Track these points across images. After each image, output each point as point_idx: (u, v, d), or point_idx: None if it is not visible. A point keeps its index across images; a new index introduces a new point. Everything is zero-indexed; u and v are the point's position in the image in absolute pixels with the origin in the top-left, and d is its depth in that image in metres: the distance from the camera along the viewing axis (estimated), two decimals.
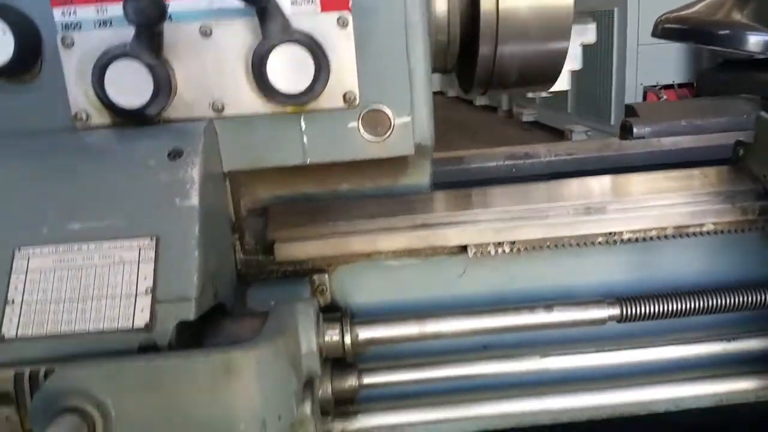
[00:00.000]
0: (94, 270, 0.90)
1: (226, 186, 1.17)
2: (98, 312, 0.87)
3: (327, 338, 1.17)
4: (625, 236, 1.21)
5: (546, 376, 1.29)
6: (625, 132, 1.66)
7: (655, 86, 5.92)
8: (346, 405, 1.26)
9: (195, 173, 1.00)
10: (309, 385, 1.08)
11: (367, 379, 1.22)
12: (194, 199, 0.98)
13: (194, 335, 0.95)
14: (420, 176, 1.24)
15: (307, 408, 1.07)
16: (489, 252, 1.21)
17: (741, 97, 1.69)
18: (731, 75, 2.64)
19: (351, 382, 1.21)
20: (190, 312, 0.90)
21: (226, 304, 1.11)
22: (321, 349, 1.06)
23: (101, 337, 0.86)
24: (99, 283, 0.89)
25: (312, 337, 1.02)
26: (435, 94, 1.26)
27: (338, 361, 1.22)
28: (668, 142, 1.46)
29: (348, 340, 1.17)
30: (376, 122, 1.14)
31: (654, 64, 5.86)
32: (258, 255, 1.21)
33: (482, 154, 1.54)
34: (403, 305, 1.26)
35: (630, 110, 1.72)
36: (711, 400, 1.36)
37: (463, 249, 1.22)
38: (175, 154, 1.02)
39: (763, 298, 1.23)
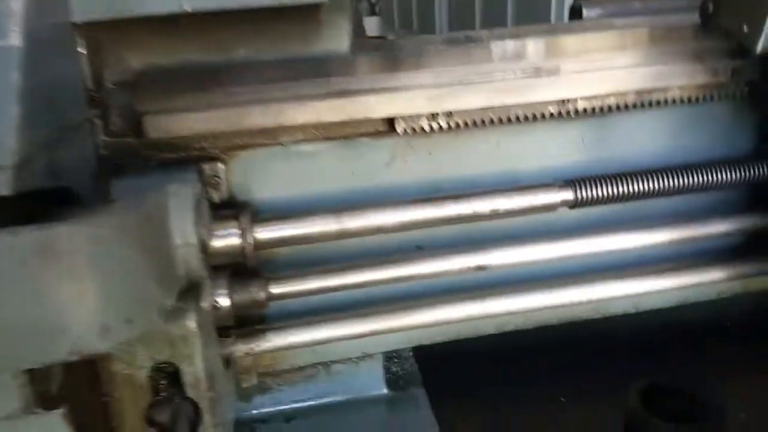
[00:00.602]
0: None
1: (76, 42, 0.88)
2: None
3: (223, 240, 0.93)
4: (580, 105, 1.00)
5: (488, 277, 1.09)
6: (575, 14, 1.43)
7: None
8: (252, 324, 1.03)
9: (15, 4, 0.71)
10: (192, 291, 0.84)
11: (277, 289, 0.99)
12: (14, 39, 0.70)
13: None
14: (337, 39, 0.98)
15: (190, 321, 0.83)
16: (421, 127, 0.98)
17: None
18: None
19: (256, 293, 0.97)
20: (3, 183, 0.63)
21: (80, 196, 0.85)
22: (204, 245, 0.81)
23: None
24: None
25: (189, 226, 0.77)
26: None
27: (241, 270, 0.98)
28: (622, 23, 1.25)
29: (248, 239, 0.93)
30: None
31: None
32: (127, 137, 0.93)
33: (417, 39, 1.28)
34: (318, 201, 1.02)
35: None
36: (674, 297, 1.21)
37: (390, 126, 0.98)
38: None
39: (732, 175, 1.06)
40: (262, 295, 0.97)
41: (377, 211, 0.98)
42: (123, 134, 0.93)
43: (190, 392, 0.87)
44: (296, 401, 1.14)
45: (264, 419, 1.13)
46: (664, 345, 1.38)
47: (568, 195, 1.02)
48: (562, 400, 1.31)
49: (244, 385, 1.09)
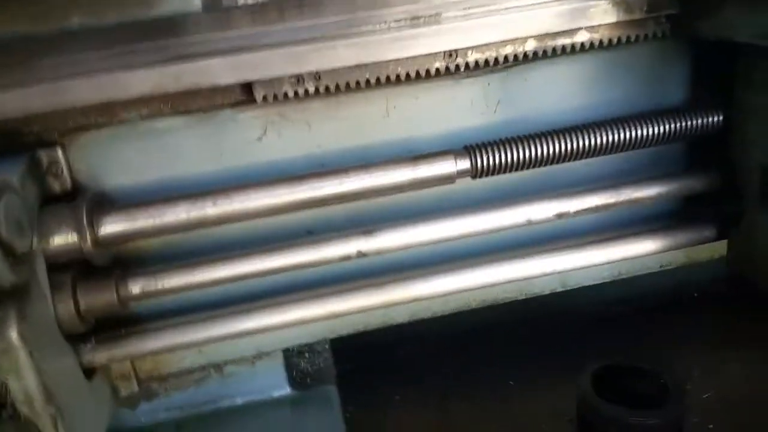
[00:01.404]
0: None
1: None
2: None
3: (60, 237, 0.80)
4: (471, 57, 0.85)
5: (394, 259, 0.96)
6: None
7: None
8: (114, 327, 0.90)
9: None
10: (10, 299, 0.71)
11: (136, 288, 0.86)
12: None
13: None
14: None
15: (10, 331, 0.71)
16: (285, 94, 0.83)
17: None
18: None
19: (106, 294, 0.84)
20: None
21: None
22: (10, 247, 0.68)
23: None
24: None
25: None
26: None
27: (91, 270, 0.86)
28: None
29: (86, 234, 0.80)
30: None
31: None
32: None
33: None
34: (183, 186, 0.89)
35: None
36: (606, 272, 1.07)
37: (249, 93, 0.84)
38: None
39: (660, 129, 0.91)
40: (112, 296, 0.84)
41: (244, 192, 0.84)
42: None
43: (24, 409, 0.75)
44: (187, 407, 1.02)
45: (152, 428, 1.01)
46: (620, 321, 1.25)
47: (465, 163, 0.87)
48: (511, 384, 1.19)
49: (124, 393, 0.97)
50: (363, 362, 1.21)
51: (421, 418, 1.08)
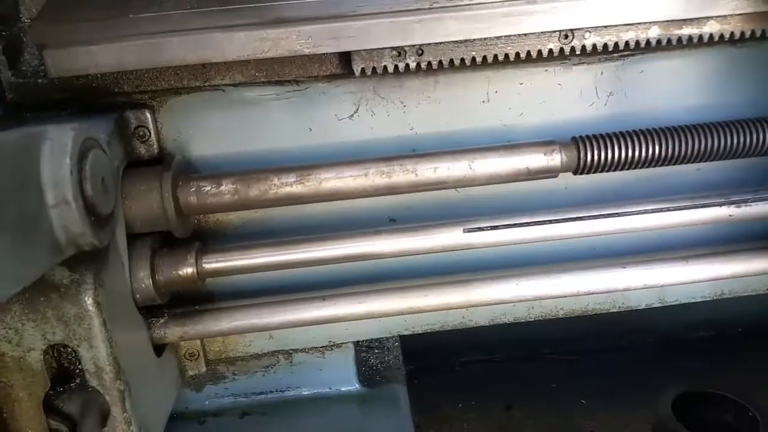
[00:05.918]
0: None
1: None
2: None
3: (142, 202, 0.73)
4: (589, 41, 0.75)
5: (479, 258, 0.86)
6: None
7: None
8: (189, 303, 0.83)
9: None
10: (90, 262, 0.64)
11: (212, 264, 0.78)
12: None
13: None
14: None
15: (86, 297, 0.65)
16: (385, 67, 0.75)
17: None
18: None
19: (184, 268, 0.76)
20: None
21: None
22: (93, 205, 0.61)
23: None
24: None
25: (64, 181, 0.57)
26: None
27: (173, 241, 0.79)
28: None
29: (169, 202, 0.73)
30: None
31: None
32: (39, 78, 0.75)
33: None
34: (269, 160, 0.81)
35: None
36: (708, 290, 0.93)
37: (347, 65, 0.76)
38: None
39: None
40: (192, 269, 0.77)
41: (330, 170, 0.75)
42: (35, 75, 0.75)
43: (93, 381, 0.68)
44: (253, 393, 0.94)
45: (216, 412, 0.93)
46: (710, 345, 1.11)
47: (571, 156, 0.77)
48: (583, 402, 1.07)
49: (191, 372, 0.90)
50: (431, 363, 1.12)
51: (484, 428, 0.99)
